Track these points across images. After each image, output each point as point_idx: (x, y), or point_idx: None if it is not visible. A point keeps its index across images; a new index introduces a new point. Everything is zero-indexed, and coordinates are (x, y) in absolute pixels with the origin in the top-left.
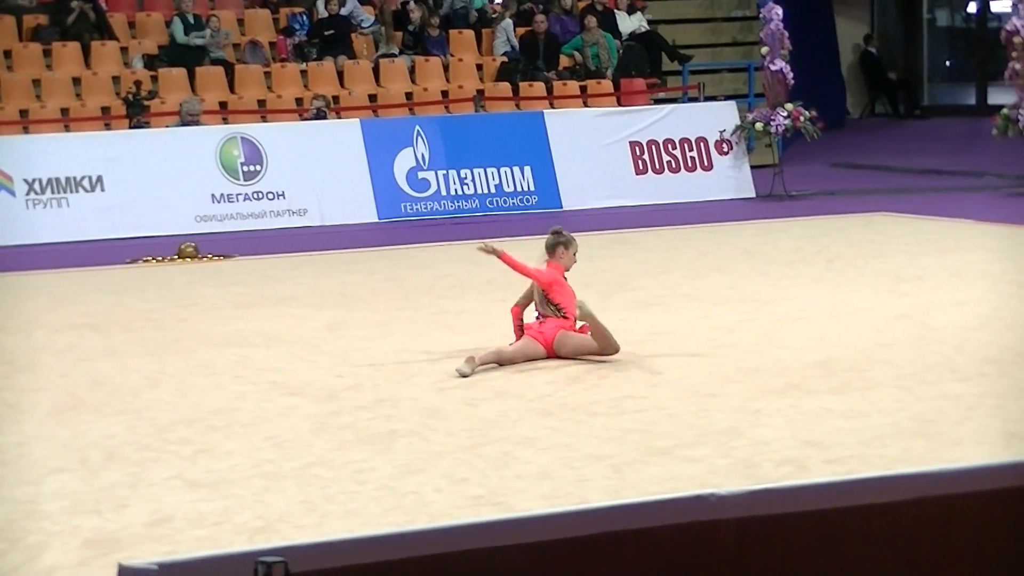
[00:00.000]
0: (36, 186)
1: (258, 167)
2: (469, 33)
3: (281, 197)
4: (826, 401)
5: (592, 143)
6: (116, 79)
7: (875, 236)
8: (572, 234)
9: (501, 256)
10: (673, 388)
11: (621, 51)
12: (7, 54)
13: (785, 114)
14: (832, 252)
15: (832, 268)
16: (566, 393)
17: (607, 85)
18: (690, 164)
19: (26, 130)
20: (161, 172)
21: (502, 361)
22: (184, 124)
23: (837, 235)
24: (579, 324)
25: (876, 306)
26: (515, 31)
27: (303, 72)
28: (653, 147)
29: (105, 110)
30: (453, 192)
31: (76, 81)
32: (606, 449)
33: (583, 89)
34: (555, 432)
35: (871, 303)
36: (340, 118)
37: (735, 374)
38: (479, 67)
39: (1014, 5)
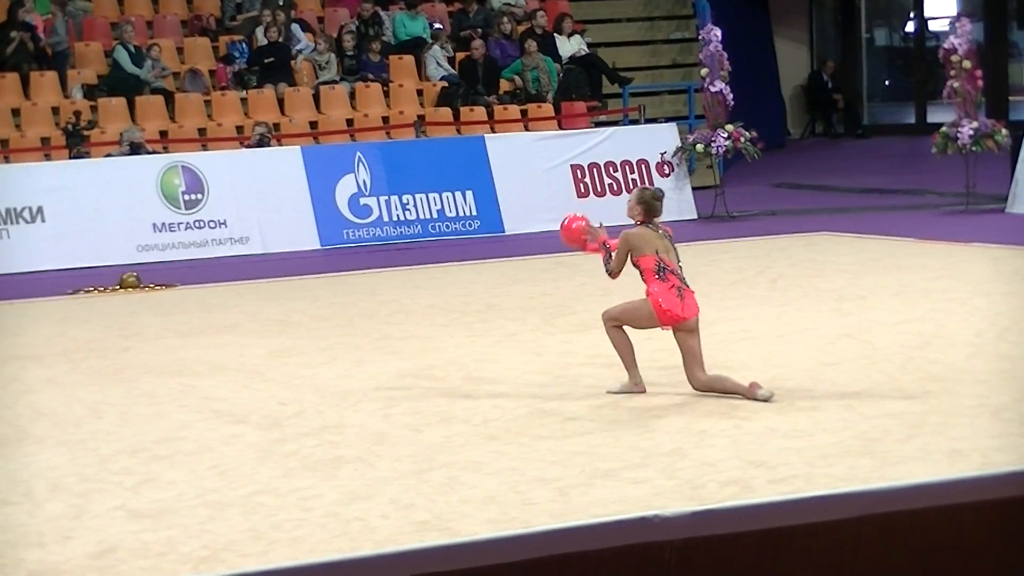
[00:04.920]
0: None
1: (199, 196)
2: (409, 58)
3: (223, 225)
4: (771, 421)
5: (534, 167)
6: (55, 109)
7: (817, 256)
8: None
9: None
10: (617, 410)
11: (561, 74)
12: None
13: (726, 135)
14: (775, 272)
15: (775, 288)
16: (511, 417)
17: (548, 109)
18: (632, 186)
19: None
20: (102, 202)
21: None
22: (129, 153)
23: (779, 255)
24: None
25: (819, 325)
26: (454, 55)
27: (243, 100)
28: (595, 170)
29: (45, 140)
30: (395, 218)
31: (15, 112)
32: (552, 472)
33: (524, 113)
34: (501, 456)
35: (814, 323)
36: (281, 145)
37: (679, 395)
38: (419, 92)
39: (951, 24)
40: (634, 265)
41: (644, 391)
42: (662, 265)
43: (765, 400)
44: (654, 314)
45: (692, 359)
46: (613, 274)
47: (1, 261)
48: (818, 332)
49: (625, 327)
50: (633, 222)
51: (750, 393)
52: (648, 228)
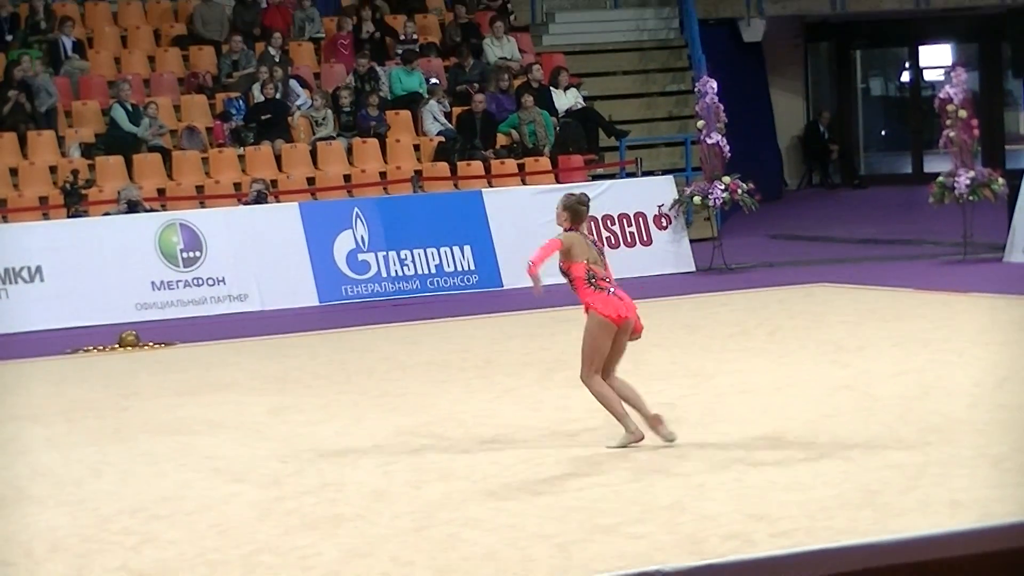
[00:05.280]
0: None
1: (197, 253)
2: (406, 113)
3: (221, 283)
4: (771, 474)
5: (531, 221)
6: (53, 168)
7: (815, 307)
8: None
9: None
10: (616, 465)
11: (558, 128)
12: None
13: (723, 187)
14: (773, 324)
15: (774, 340)
16: (510, 473)
17: (545, 162)
18: (629, 239)
19: None
20: (100, 260)
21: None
22: (127, 211)
23: (778, 307)
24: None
25: (819, 377)
26: (450, 110)
27: (241, 157)
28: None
29: (43, 199)
30: (393, 273)
31: (13, 171)
32: (551, 528)
33: (521, 167)
34: (500, 512)
35: (813, 374)
36: (279, 202)
37: (679, 449)
38: (416, 147)
39: (946, 73)
40: (563, 272)
41: (642, 438)
42: (592, 274)
43: (668, 441)
44: (605, 322)
45: (618, 358)
46: (534, 264)
47: (1, 320)
48: (817, 383)
49: (605, 374)
50: (561, 229)
51: (652, 424)
52: (577, 235)
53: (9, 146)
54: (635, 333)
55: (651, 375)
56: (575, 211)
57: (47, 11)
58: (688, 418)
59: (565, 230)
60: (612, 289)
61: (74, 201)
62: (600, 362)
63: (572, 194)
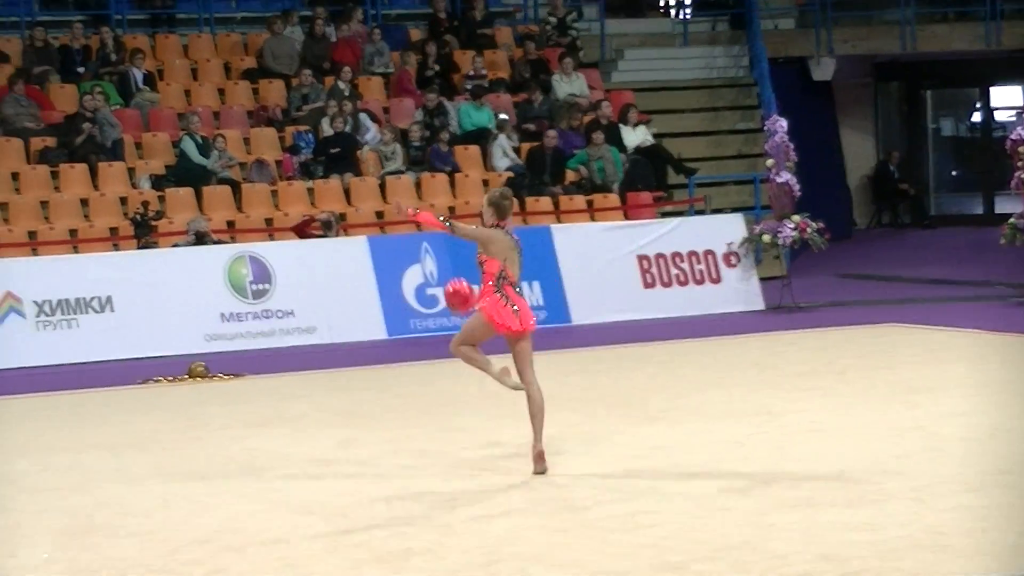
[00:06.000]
0: (46, 308)
1: (266, 285)
2: (475, 149)
3: (290, 315)
4: (840, 514)
5: (600, 257)
6: (123, 199)
7: (885, 347)
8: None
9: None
10: (686, 502)
11: (627, 165)
12: (15, 176)
13: (792, 226)
14: (842, 364)
15: (843, 380)
16: (577, 508)
17: (613, 199)
18: (698, 277)
19: (35, 252)
20: (170, 291)
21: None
22: (194, 243)
23: (847, 346)
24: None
25: (887, 417)
26: (519, 145)
27: (309, 190)
28: (661, 260)
29: (113, 230)
30: None
31: (84, 202)
32: (620, 565)
33: (589, 203)
34: (568, 548)
35: (882, 414)
36: (347, 235)
37: (748, 487)
38: (485, 182)
39: (1018, 114)
40: (478, 263)
41: (509, 375)
42: (503, 275)
43: (539, 466)
44: (488, 324)
45: (523, 360)
46: (456, 230)
47: (71, 350)
48: (886, 424)
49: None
50: (487, 224)
51: (534, 444)
52: (502, 232)
53: (80, 177)
54: (522, 333)
55: (720, 413)
56: (499, 206)
57: (117, 43)
58: (756, 456)
59: (490, 226)
60: (513, 307)
61: (144, 232)
62: (470, 342)
63: (496, 189)
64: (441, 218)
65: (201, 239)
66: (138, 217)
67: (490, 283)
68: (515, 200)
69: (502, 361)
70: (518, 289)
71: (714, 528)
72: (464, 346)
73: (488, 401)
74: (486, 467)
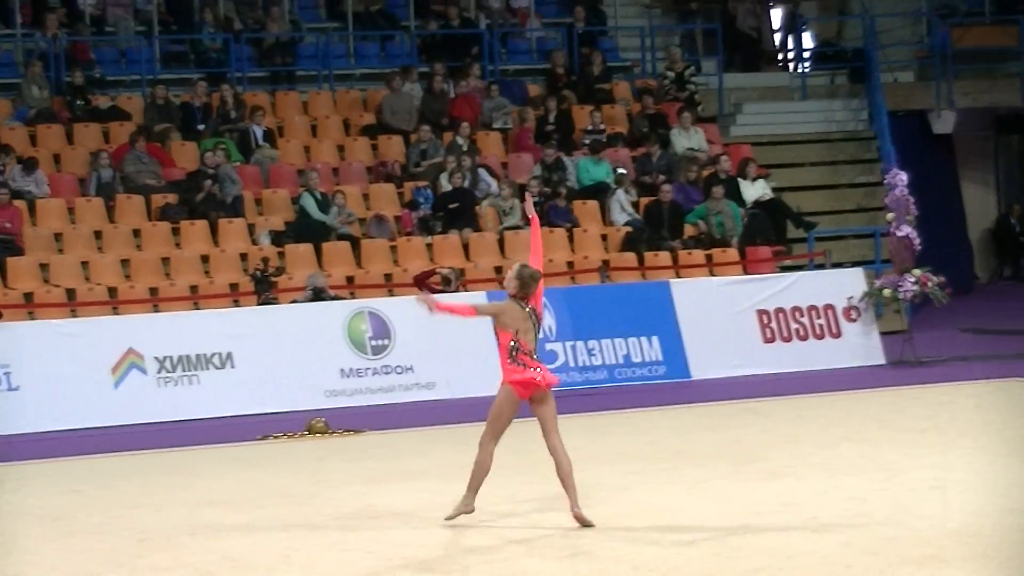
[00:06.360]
0: (167, 364)
1: (386, 341)
2: (593, 203)
3: (409, 371)
4: (966, 571)
5: (719, 312)
6: (244, 256)
7: (1008, 402)
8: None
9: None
10: (808, 559)
11: (746, 219)
12: (136, 233)
13: (913, 280)
14: (965, 419)
15: (966, 435)
16: (701, 565)
17: (732, 254)
18: (818, 331)
19: (156, 308)
20: (290, 348)
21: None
22: (312, 299)
23: (970, 401)
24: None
25: (1012, 473)
26: (637, 199)
27: (428, 245)
28: (780, 315)
29: (233, 286)
30: (581, 363)
31: (204, 258)
32: None
33: (708, 258)
34: None
35: (1007, 470)
36: (467, 290)
37: (871, 545)
38: (604, 237)
39: None
40: (496, 333)
41: (471, 511)
42: (516, 345)
43: (584, 524)
44: (510, 390)
45: (549, 425)
46: (439, 306)
47: (192, 406)
48: (1010, 480)
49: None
50: (507, 292)
51: (571, 507)
52: (517, 304)
53: (201, 234)
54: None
55: (841, 469)
56: (523, 281)
57: (237, 100)
58: (879, 513)
59: (510, 295)
60: (533, 368)
61: (264, 288)
62: (497, 429)
63: (527, 266)
64: (469, 304)
65: (319, 295)
66: (258, 273)
67: (505, 354)
68: (541, 282)
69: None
70: (535, 357)
71: None
72: (487, 450)
73: (615, 457)
74: (610, 524)
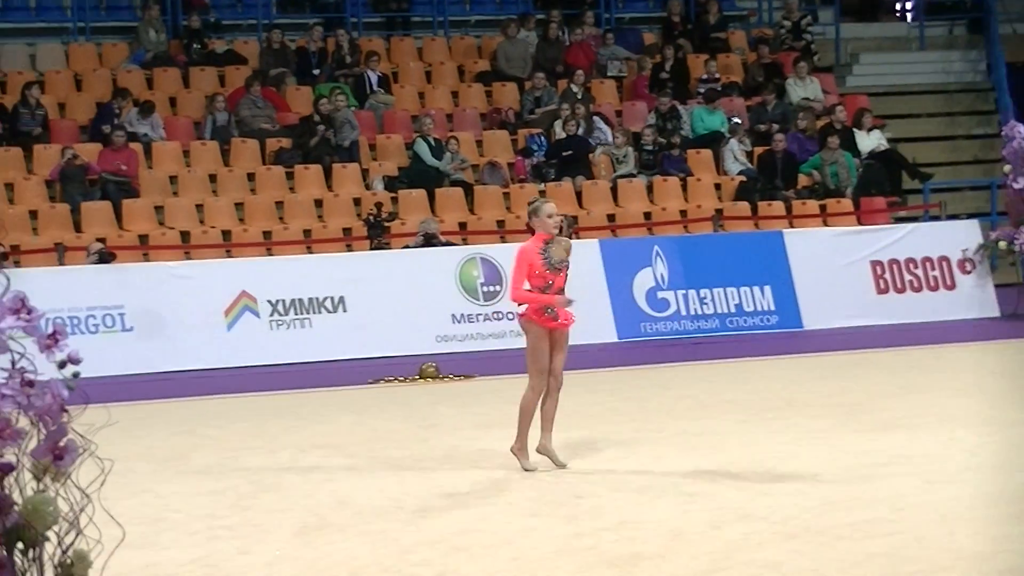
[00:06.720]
0: (279, 307)
1: (497, 287)
2: (707, 152)
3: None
4: None
5: (832, 262)
6: (357, 200)
7: None
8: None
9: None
10: (920, 511)
11: (860, 170)
12: (251, 177)
13: None
14: None
15: None
16: (811, 516)
17: (847, 204)
18: (932, 283)
19: (269, 252)
20: (402, 292)
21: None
22: (423, 244)
23: None
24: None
25: None
26: (751, 149)
27: (541, 192)
28: (894, 266)
29: (346, 231)
30: (693, 312)
31: (318, 203)
32: (852, 574)
33: (822, 208)
34: (800, 556)
35: None
36: (579, 238)
37: (982, 497)
38: (717, 186)
39: None
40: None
41: (526, 459)
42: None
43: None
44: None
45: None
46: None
47: (304, 349)
48: None
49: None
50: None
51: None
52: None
53: (315, 178)
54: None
55: (955, 421)
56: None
57: (352, 46)
58: (991, 465)
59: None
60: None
61: (377, 233)
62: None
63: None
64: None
65: (430, 240)
66: (371, 218)
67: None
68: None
69: None
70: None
71: (949, 538)
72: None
73: (723, 407)
74: (719, 473)
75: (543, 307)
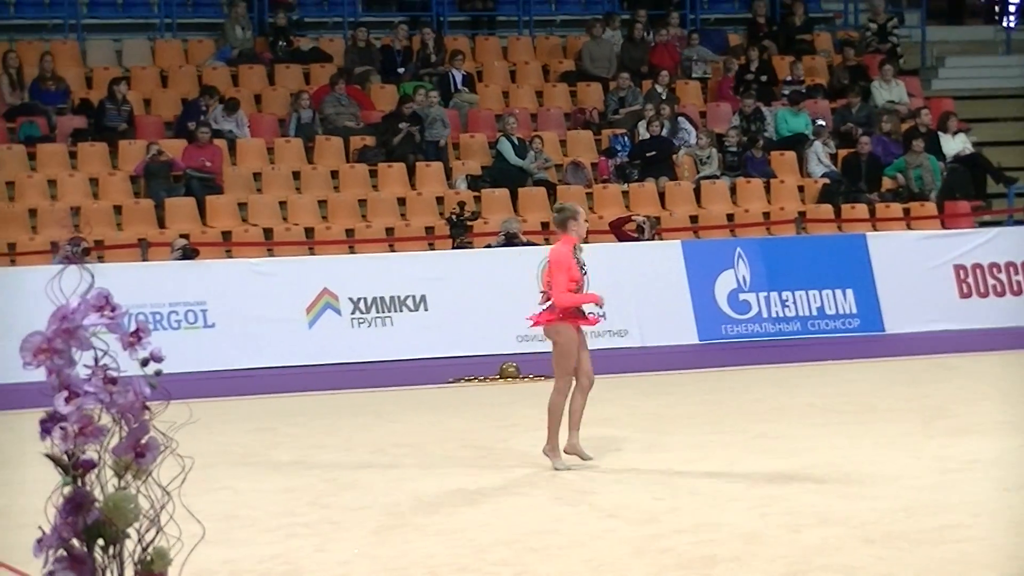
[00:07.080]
0: (361, 305)
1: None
2: (791, 154)
3: (601, 318)
4: None
5: (916, 266)
6: (440, 199)
7: None
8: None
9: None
10: (996, 518)
11: (945, 173)
12: (334, 174)
13: None
14: None
15: None
16: (888, 521)
17: (931, 208)
18: (1016, 288)
19: (352, 249)
20: (483, 292)
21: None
22: (504, 244)
23: None
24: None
25: None
26: (835, 152)
27: (624, 193)
28: (978, 271)
29: (429, 229)
30: (774, 314)
31: (401, 201)
32: None
33: (906, 212)
34: (878, 561)
35: None
36: (661, 239)
37: None
38: (800, 188)
39: None
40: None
41: (558, 459)
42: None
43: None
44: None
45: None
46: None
47: (385, 348)
48: None
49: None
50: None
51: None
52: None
53: (398, 176)
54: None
55: None
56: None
57: (438, 44)
58: None
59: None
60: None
61: (459, 232)
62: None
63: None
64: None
65: (512, 240)
66: (454, 217)
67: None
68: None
69: None
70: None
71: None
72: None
73: (803, 410)
74: (798, 476)
75: (581, 306)
